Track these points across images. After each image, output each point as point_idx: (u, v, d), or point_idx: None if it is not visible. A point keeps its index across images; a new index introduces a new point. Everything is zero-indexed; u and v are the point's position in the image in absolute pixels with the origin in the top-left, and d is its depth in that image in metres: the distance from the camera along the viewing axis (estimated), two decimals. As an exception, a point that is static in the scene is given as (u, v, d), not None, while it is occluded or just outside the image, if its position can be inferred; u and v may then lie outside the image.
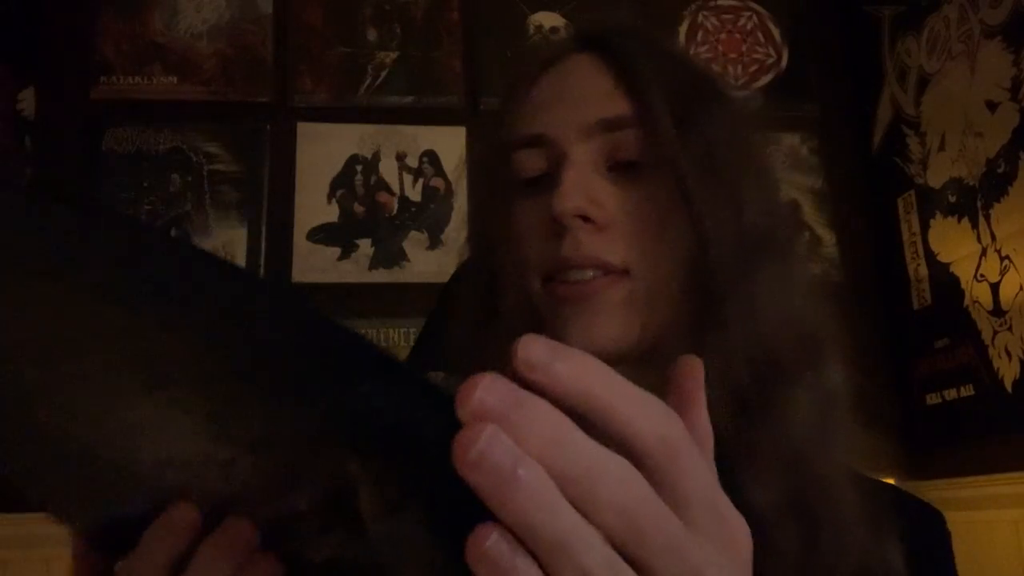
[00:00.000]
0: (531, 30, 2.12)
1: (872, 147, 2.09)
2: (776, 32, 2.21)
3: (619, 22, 0.59)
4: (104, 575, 0.34)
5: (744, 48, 2.19)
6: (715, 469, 0.28)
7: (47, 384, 0.28)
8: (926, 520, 0.57)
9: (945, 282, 1.81)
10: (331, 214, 1.95)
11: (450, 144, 1.99)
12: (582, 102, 0.54)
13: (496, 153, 0.58)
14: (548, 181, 0.53)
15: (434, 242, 1.96)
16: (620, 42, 0.56)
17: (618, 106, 0.53)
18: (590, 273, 0.51)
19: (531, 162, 0.55)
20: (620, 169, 0.53)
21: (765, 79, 2.17)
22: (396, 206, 1.98)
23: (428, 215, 1.98)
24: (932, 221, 1.87)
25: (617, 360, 0.51)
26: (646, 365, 0.52)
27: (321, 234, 1.94)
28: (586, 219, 0.51)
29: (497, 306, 0.55)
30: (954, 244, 1.79)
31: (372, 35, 2.09)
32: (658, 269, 0.52)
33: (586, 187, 0.52)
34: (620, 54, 0.55)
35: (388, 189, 1.99)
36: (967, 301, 1.73)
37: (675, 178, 0.51)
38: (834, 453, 0.50)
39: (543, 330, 0.54)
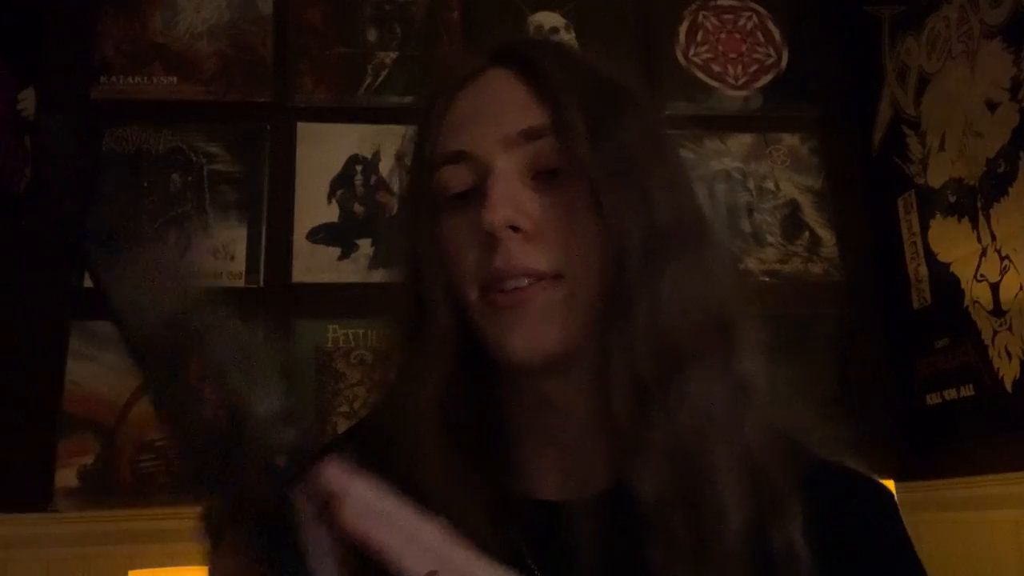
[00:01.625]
0: (531, 30, 2.12)
1: (872, 147, 2.09)
2: (776, 32, 2.21)
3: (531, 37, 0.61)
4: None
5: (744, 48, 2.19)
6: None
7: None
8: (861, 493, 0.56)
9: (945, 282, 1.81)
10: (331, 214, 1.95)
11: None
12: (502, 115, 0.55)
13: (420, 171, 0.58)
14: (475, 195, 0.55)
15: (434, 242, 1.96)
16: (534, 54, 0.58)
17: (537, 116, 0.55)
18: (525, 281, 0.53)
19: (457, 178, 0.56)
20: (542, 177, 0.55)
21: (765, 79, 2.17)
22: (396, 206, 1.98)
23: (428, 215, 1.97)
24: (932, 221, 1.87)
25: (556, 362, 0.53)
26: (565, 368, 0.53)
27: (321, 234, 1.94)
28: (516, 229, 0.53)
29: (425, 323, 0.56)
30: (954, 244, 1.79)
31: (372, 35, 2.09)
32: (584, 271, 0.53)
33: (513, 198, 0.53)
34: (535, 66, 0.56)
35: (388, 189, 1.99)
36: (967, 301, 1.73)
37: (589, 182, 0.53)
38: (737, 437, 0.51)
39: (478, 341, 0.55)
